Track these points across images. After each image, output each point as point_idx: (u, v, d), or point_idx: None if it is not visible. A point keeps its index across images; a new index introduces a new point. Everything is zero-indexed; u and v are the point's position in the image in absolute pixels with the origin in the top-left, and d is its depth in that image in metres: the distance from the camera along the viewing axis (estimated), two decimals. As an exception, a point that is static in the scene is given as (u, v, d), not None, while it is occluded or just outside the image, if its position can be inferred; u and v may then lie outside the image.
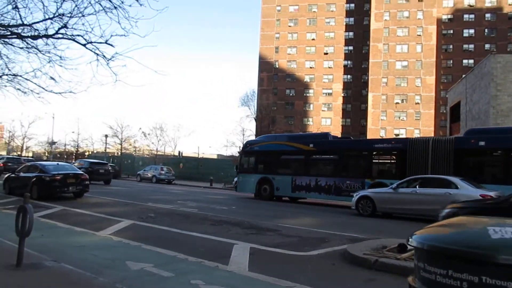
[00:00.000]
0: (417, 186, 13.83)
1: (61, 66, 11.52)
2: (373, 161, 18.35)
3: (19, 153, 75.04)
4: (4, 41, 11.18)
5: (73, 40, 10.00)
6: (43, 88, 12.60)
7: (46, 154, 74.51)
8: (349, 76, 74.67)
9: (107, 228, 9.43)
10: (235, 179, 24.15)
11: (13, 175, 17.28)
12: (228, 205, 16.80)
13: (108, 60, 9.92)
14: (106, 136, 49.58)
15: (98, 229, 9.26)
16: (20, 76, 12.84)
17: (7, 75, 13.17)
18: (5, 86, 16.35)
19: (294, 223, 11.75)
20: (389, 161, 18.34)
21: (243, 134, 64.19)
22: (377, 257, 6.48)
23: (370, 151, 18.49)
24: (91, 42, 10.02)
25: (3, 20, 10.04)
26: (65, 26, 8.91)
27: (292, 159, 20.83)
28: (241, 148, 23.48)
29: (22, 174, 16.82)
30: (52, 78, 12.04)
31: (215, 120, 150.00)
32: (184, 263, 6.48)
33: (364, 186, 17.02)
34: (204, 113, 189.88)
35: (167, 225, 10.18)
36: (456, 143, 15.90)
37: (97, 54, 10.04)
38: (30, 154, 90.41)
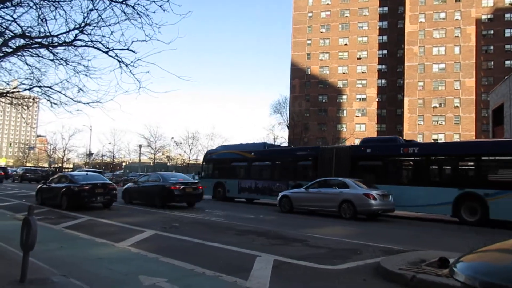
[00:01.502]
0: (322, 187, 16.30)
1: (86, 75, 11.49)
2: (295, 166, 21.24)
3: (60, 164, 77.64)
4: (32, 52, 11.27)
5: (94, 47, 9.87)
6: (71, 99, 12.63)
7: (86, 166, 76.68)
8: (383, 81, 72.81)
9: (128, 239, 9.13)
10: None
11: (44, 186, 17.48)
12: (256, 213, 16.27)
13: (129, 66, 9.71)
14: (140, 146, 50.36)
15: (119, 240, 8.97)
16: (50, 87, 12.96)
17: (39, 87, 13.34)
18: (40, 99, 16.67)
19: (324, 232, 11.07)
20: (306, 165, 20.89)
21: (275, 142, 63.59)
22: (414, 273, 5.76)
23: (293, 157, 21.60)
24: (112, 49, 9.85)
25: (29, 32, 10.05)
26: (81, 31, 8.74)
27: (239, 166, 23.94)
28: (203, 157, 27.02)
29: (53, 184, 16.96)
30: (80, 89, 12.05)
31: (248, 128, 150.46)
32: (200, 277, 6.01)
33: (288, 187, 19.58)
34: (236, 121, 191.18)
35: (190, 235, 9.77)
36: (352, 150, 19.16)
37: (119, 61, 9.88)
38: (71, 166, 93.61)
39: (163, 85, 26.83)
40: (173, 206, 17.71)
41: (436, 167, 16.53)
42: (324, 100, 75.34)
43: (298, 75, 77.27)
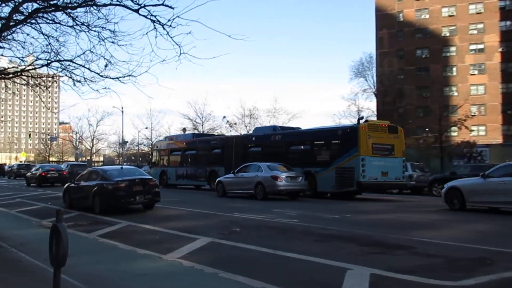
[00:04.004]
0: (245, 171, 22.66)
1: (113, 43, 11.82)
2: (211, 153, 29.97)
3: (88, 158, 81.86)
4: (48, 18, 11.77)
5: (121, 5, 10.07)
6: (97, 74, 13.08)
7: (120, 158, 79.81)
8: (508, 23, 68.53)
9: (177, 249, 9.38)
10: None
11: (72, 184, 18.38)
12: (340, 212, 16.08)
13: (165, 26, 9.80)
14: (184, 129, 51.50)
15: (166, 250, 9.24)
16: (71, 61, 13.48)
17: (59, 61, 13.94)
18: (60, 76, 17.47)
19: (435, 235, 10.78)
20: (217, 153, 29.57)
21: (359, 115, 62.38)
22: None
23: (209, 146, 30.59)
24: (144, 6, 10.01)
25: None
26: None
27: (175, 155, 33.05)
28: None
29: (82, 183, 17.78)
30: (108, 61, 12.40)
31: (321, 100, 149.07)
32: (273, 299, 6.01)
33: (206, 173, 28.66)
34: (305, 93, 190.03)
35: (256, 243, 9.85)
36: (244, 139, 29.32)
37: (153, 21, 10.01)
38: (101, 158, 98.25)
39: (210, 50, 27.21)
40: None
41: (293, 150, 24.97)
42: (424, 56, 72.52)
43: (387, 23, 74.78)
